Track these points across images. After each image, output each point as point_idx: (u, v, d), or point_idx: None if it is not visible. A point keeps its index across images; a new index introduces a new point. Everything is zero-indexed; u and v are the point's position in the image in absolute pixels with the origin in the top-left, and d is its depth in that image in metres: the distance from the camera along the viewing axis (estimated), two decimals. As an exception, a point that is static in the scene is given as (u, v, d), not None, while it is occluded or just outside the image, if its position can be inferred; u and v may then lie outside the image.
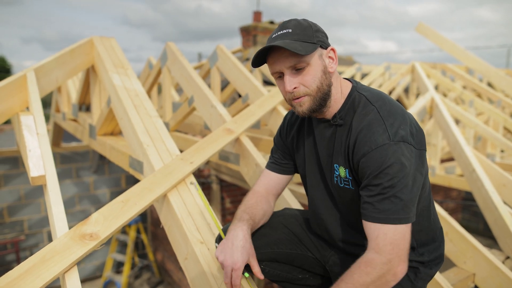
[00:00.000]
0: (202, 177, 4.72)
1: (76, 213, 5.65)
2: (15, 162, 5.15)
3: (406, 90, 5.35)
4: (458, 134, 2.63)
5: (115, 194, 5.77)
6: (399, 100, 5.04)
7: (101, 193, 5.86)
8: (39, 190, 5.26)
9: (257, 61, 1.01)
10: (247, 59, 5.82)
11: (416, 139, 0.95)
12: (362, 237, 1.07)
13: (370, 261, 0.88)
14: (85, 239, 1.18)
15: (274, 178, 1.23)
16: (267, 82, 4.59)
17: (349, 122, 1.00)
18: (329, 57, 1.01)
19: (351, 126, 0.99)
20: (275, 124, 2.16)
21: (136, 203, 1.35)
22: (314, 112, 1.02)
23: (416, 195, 0.93)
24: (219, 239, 1.18)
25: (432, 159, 3.30)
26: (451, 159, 4.34)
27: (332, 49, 1.02)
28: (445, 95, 5.16)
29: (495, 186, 2.37)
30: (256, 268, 1.03)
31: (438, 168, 3.31)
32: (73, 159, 5.54)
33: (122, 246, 5.91)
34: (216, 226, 1.31)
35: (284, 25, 0.99)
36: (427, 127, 3.89)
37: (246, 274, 1.02)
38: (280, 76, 1.01)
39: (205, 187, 4.72)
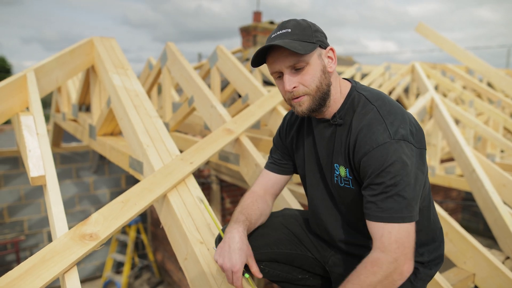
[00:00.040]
0: (202, 177, 4.72)
1: (76, 213, 5.65)
2: (15, 162, 5.15)
3: (406, 90, 5.35)
4: (458, 134, 2.63)
5: (115, 194, 5.77)
6: (399, 100, 5.04)
7: (101, 193, 5.86)
8: (39, 190, 5.26)
9: (257, 61, 1.01)
10: (247, 59, 5.82)
11: (416, 138, 0.95)
12: (362, 237, 1.08)
13: (376, 261, 0.87)
14: (85, 239, 1.18)
15: (273, 178, 1.23)
16: (267, 82, 4.60)
17: (348, 121, 1.01)
18: (328, 57, 1.01)
19: (351, 126, 0.99)
20: (275, 124, 2.16)
21: (136, 204, 1.35)
22: (314, 111, 1.02)
23: (418, 194, 0.93)
24: (218, 240, 1.18)
25: (432, 159, 3.30)
26: (451, 159, 4.34)
27: (331, 49, 1.02)
28: (445, 95, 5.16)
29: (495, 186, 2.37)
30: (254, 268, 1.03)
31: (438, 168, 3.31)
32: (73, 159, 5.54)
33: (122, 246, 5.91)
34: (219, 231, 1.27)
35: (283, 25, 0.99)
36: (427, 127, 3.89)
37: (246, 275, 1.03)
38: (279, 76, 1.01)
39: (205, 187, 4.72)
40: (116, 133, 2.62)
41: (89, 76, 2.60)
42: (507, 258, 1.98)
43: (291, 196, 1.69)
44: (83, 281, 5.70)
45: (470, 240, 1.77)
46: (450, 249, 1.82)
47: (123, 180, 6.00)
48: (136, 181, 4.83)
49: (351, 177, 1.01)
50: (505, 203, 2.26)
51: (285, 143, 1.23)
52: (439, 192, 7.06)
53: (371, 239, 1.06)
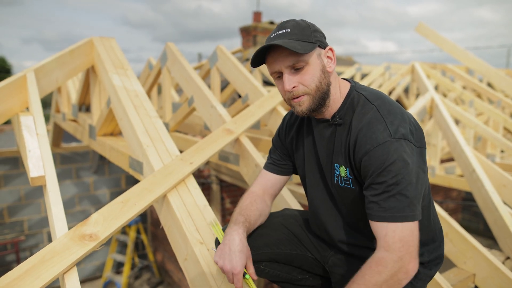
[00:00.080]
0: (202, 177, 4.72)
1: (76, 213, 5.65)
2: (15, 162, 5.15)
3: (406, 91, 5.35)
4: (458, 134, 2.63)
5: (115, 195, 5.77)
6: (399, 100, 5.04)
7: (101, 193, 5.86)
8: (39, 191, 5.26)
9: (256, 61, 1.01)
10: (247, 60, 5.82)
11: (416, 138, 0.95)
12: (362, 237, 1.07)
13: (380, 260, 0.87)
14: (84, 239, 1.18)
15: (272, 179, 1.23)
16: (267, 83, 4.60)
17: (348, 121, 1.01)
18: (328, 56, 1.02)
19: (350, 125, 0.99)
20: (275, 125, 2.16)
21: (135, 204, 1.35)
22: (314, 111, 1.02)
23: (420, 192, 0.93)
24: (218, 242, 1.18)
25: (432, 159, 3.30)
26: (451, 160, 4.34)
27: (330, 49, 1.02)
28: (445, 95, 5.16)
29: (495, 186, 2.37)
30: (251, 270, 1.03)
31: (438, 168, 3.31)
32: (73, 160, 5.54)
33: (122, 247, 5.91)
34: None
35: (282, 25, 0.99)
36: (427, 127, 3.89)
37: (247, 276, 1.03)
38: (279, 76, 1.01)
39: (205, 188, 4.72)
40: (116, 133, 2.62)
41: (89, 76, 2.60)
42: (507, 258, 1.98)
43: (291, 196, 1.68)
44: (83, 281, 5.70)
45: (470, 240, 1.77)
46: (450, 249, 1.82)
47: (123, 180, 6.00)
48: (136, 181, 4.83)
49: (351, 177, 1.00)
50: (505, 203, 2.26)
51: (285, 143, 1.23)
52: (439, 192, 7.06)
53: (371, 240, 1.06)
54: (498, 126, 3.98)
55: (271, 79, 3.68)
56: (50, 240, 5.47)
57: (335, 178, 1.05)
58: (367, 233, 1.06)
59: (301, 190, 2.57)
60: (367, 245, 1.07)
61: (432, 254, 1.08)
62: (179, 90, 4.97)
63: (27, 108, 1.98)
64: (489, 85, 5.66)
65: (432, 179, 3.27)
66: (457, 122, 3.86)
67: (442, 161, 4.25)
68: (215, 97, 2.35)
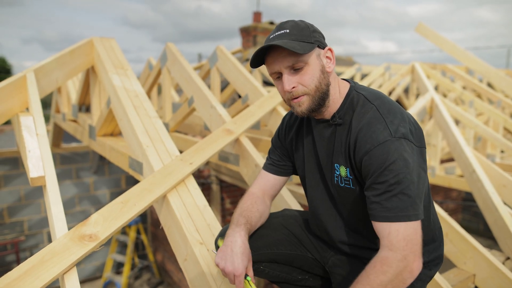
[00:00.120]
0: (202, 177, 4.72)
1: (76, 213, 5.65)
2: (15, 162, 5.15)
3: (406, 91, 5.35)
4: (458, 134, 2.63)
5: (115, 195, 5.77)
6: (399, 101, 5.04)
7: (101, 193, 5.86)
8: (39, 191, 5.26)
9: (256, 62, 1.01)
10: (247, 60, 5.82)
11: (415, 137, 0.95)
12: (362, 238, 1.07)
13: (385, 260, 0.86)
14: (84, 240, 1.18)
15: (271, 180, 1.23)
16: (266, 83, 4.60)
17: (348, 121, 1.00)
18: (327, 57, 1.02)
19: (350, 125, 0.99)
20: (275, 125, 2.16)
21: (135, 204, 1.35)
22: (313, 111, 1.02)
23: (422, 192, 0.92)
24: (217, 245, 1.18)
25: (432, 159, 3.30)
26: (451, 160, 4.34)
27: (330, 49, 1.02)
28: (445, 95, 5.16)
29: (495, 186, 2.37)
30: (250, 273, 1.03)
31: (438, 168, 3.31)
32: (73, 160, 5.54)
33: (122, 247, 5.91)
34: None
35: (281, 26, 0.99)
36: (427, 127, 3.89)
37: (248, 278, 1.03)
38: (278, 76, 1.01)
39: (205, 188, 4.72)
40: (116, 133, 2.62)
41: (89, 76, 2.60)
42: (507, 258, 1.98)
43: (291, 197, 1.68)
44: (83, 281, 5.70)
45: (470, 240, 1.77)
46: (450, 250, 1.82)
47: (123, 181, 6.00)
48: (136, 181, 4.83)
49: (351, 177, 1.00)
50: (505, 203, 2.26)
51: (284, 144, 1.23)
52: (439, 193, 7.06)
53: (371, 240, 1.06)
54: (498, 127, 3.98)
55: (271, 79, 3.68)
56: (50, 240, 5.47)
57: (335, 178, 1.05)
58: (367, 233, 1.06)
59: (301, 190, 2.57)
60: (367, 245, 1.07)
61: (432, 254, 1.08)
62: (179, 90, 4.97)
63: (27, 109, 1.98)
64: (489, 85, 5.66)
65: (432, 180, 3.27)
66: (457, 122, 3.86)
67: (442, 161, 4.25)
68: (215, 97, 2.35)
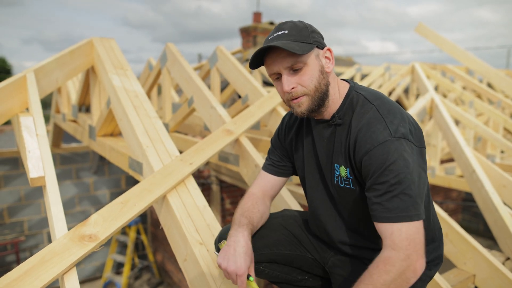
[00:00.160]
0: (202, 178, 4.72)
1: (76, 214, 5.65)
2: (15, 163, 5.15)
3: (406, 91, 5.35)
4: (458, 135, 2.63)
5: (115, 195, 5.77)
6: (399, 101, 5.04)
7: (101, 194, 5.86)
8: (39, 191, 5.26)
9: (255, 63, 1.01)
10: (247, 60, 5.82)
11: (415, 137, 0.95)
12: (362, 238, 1.07)
13: (388, 259, 0.86)
14: (84, 240, 1.18)
15: (271, 180, 1.23)
16: (266, 83, 4.60)
17: (348, 121, 1.00)
18: (326, 57, 1.02)
19: (350, 125, 0.99)
20: (275, 125, 2.16)
21: (135, 204, 1.35)
22: (313, 112, 1.02)
23: (423, 192, 0.92)
24: (218, 242, 1.18)
25: (432, 159, 3.29)
26: (451, 160, 4.34)
27: (329, 49, 1.02)
28: (445, 96, 5.16)
29: (495, 187, 2.37)
30: (252, 273, 1.03)
31: (438, 169, 3.31)
32: (73, 160, 5.54)
33: (122, 247, 5.91)
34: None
35: (280, 26, 0.99)
36: (427, 127, 3.89)
37: (251, 278, 1.02)
38: (277, 77, 1.01)
39: (205, 188, 4.72)
40: (116, 133, 2.62)
41: (89, 76, 2.60)
42: (507, 259, 1.98)
43: (291, 197, 1.68)
44: (83, 281, 5.70)
45: (470, 241, 1.77)
46: (450, 250, 1.82)
47: (123, 181, 6.00)
48: (136, 181, 4.83)
49: (351, 177, 1.00)
50: (505, 203, 2.26)
51: (284, 144, 1.22)
52: (439, 193, 7.06)
53: (371, 240, 1.06)
54: (498, 127, 3.98)
55: (270, 79, 3.68)
56: (50, 240, 5.47)
57: (335, 179, 1.05)
58: (368, 233, 1.06)
59: (300, 190, 2.57)
60: (367, 245, 1.07)
61: (431, 254, 1.08)
62: (179, 91, 4.97)
63: (27, 109, 1.98)
64: (489, 85, 5.66)
65: (432, 180, 3.27)
66: (457, 122, 3.86)
67: (442, 161, 4.25)
68: (215, 97, 2.35)
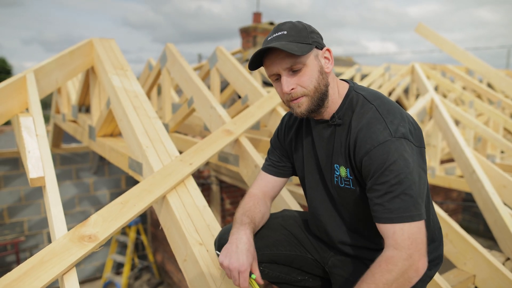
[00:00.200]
0: (201, 178, 4.72)
1: (76, 214, 5.65)
2: (15, 163, 5.15)
3: (406, 91, 5.35)
4: (458, 135, 2.62)
5: (115, 195, 5.77)
6: (398, 101, 5.04)
7: (101, 194, 5.86)
8: (39, 191, 5.26)
9: (254, 64, 1.01)
10: (247, 60, 5.82)
11: (415, 137, 0.95)
12: (362, 238, 1.07)
13: (390, 258, 0.86)
14: (84, 240, 1.18)
15: (271, 181, 1.23)
16: (266, 83, 4.60)
17: (347, 121, 1.00)
18: (325, 57, 1.02)
19: (350, 125, 0.99)
20: (275, 125, 2.16)
21: (135, 205, 1.35)
22: (312, 112, 1.02)
23: (423, 192, 0.92)
24: (217, 242, 1.18)
25: (432, 160, 3.29)
26: (451, 160, 4.34)
27: (328, 50, 1.02)
28: (445, 96, 5.16)
29: (495, 187, 2.37)
30: (256, 273, 1.02)
31: (438, 169, 3.31)
32: (73, 160, 5.54)
33: (122, 247, 5.91)
34: None
35: (279, 27, 0.99)
36: (427, 128, 3.89)
37: (253, 276, 1.01)
38: (277, 78, 1.01)
39: (205, 188, 4.72)
40: (115, 134, 2.62)
41: (89, 77, 2.60)
42: (508, 259, 1.98)
43: (291, 197, 1.68)
44: (83, 282, 5.70)
45: (470, 241, 1.77)
46: (450, 250, 1.82)
47: (123, 181, 6.00)
48: (136, 182, 4.83)
49: (351, 177, 1.00)
50: (505, 204, 2.26)
51: (284, 144, 1.22)
52: (439, 193, 7.06)
53: (371, 240, 1.06)
54: (498, 127, 3.97)
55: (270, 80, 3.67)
56: (50, 241, 5.46)
57: (335, 179, 1.04)
58: (368, 233, 1.06)
59: (300, 191, 2.57)
60: (367, 245, 1.07)
61: (431, 254, 1.08)
62: (179, 91, 4.97)
63: (27, 109, 1.98)
64: (489, 85, 5.66)
65: (432, 180, 3.27)
66: (457, 122, 3.86)
67: (442, 161, 4.25)
68: (215, 98, 2.35)
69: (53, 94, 4.10)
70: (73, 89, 3.47)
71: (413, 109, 2.78)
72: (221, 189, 4.74)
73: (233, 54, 5.92)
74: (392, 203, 0.88)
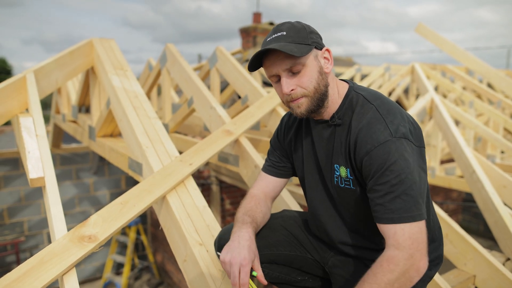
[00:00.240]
0: (201, 178, 4.72)
1: (76, 214, 5.65)
2: (16, 163, 5.15)
3: (406, 91, 5.35)
4: (458, 135, 2.62)
5: (115, 195, 5.77)
6: (398, 101, 5.04)
7: (101, 194, 5.86)
8: (39, 191, 5.26)
9: (253, 65, 1.01)
10: (247, 61, 5.82)
11: (415, 137, 0.95)
12: (362, 238, 1.07)
13: (392, 258, 0.86)
14: (83, 241, 1.18)
15: (272, 181, 1.23)
16: (266, 84, 4.60)
17: (347, 121, 1.00)
18: (325, 57, 1.02)
19: (350, 126, 0.99)
20: (274, 126, 2.15)
21: (135, 205, 1.34)
22: (312, 112, 1.02)
23: (424, 191, 0.92)
24: (217, 243, 1.18)
25: (432, 160, 3.29)
26: (451, 160, 4.34)
27: (327, 50, 1.02)
28: (445, 96, 5.16)
29: (495, 187, 2.37)
30: (259, 272, 1.00)
31: (438, 169, 3.31)
32: (73, 161, 5.54)
33: (122, 248, 5.91)
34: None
35: (278, 28, 0.99)
36: (427, 128, 3.89)
37: (255, 273, 0.99)
38: (277, 79, 1.01)
39: (205, 188, 4.71)
40: (115, 134, 2.62)
41: (89, 77, 2.60)
42: (508, 259, 1.98)
43: (290, 198, 1.68)
44: (83, 282, 5.70)
45: (471, 241, 1.77)
46: (450, 251, 1.82)
47: (123, 181, 6.00)
48: (136, 182, 4.83)
49: (352, 177, 1.00)
50: (505, 204, 2.26)
51: (283, 145, 1.22)
52: (439, 193, 7.06)
53: (371, 240, 1.06)
54: (498, 127, 3.97)
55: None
56: (50, 241, 5.46)
57: (335, 179, 1.04)
58: (368, 233, 1.06)
59: (300, 191, 2.57)
60: (367, 245, 1.07)
61: (431, 254, 1.07)
62: (178, 91, 4.97)
63: (27, 109, 1.98)
64: (489, 85, 5.66)
65: (432, 180, 3.27)
66: (457, 123, 3.86)
67: (442, 162, 4.25)
68: (215, 98, 2.35)
69: (53, 94, 4.10)
70: (73, 89, 3.47)
71: (413, 109, 2.78)
72: (221, 189, 4.73)
73: (233, 54, 5.92)
74: (393, 203, 0.88)
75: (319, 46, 1.00)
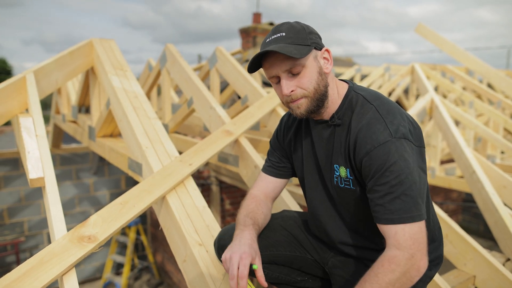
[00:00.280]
0: (201, 178, 4.72)
1: (76, 214, 5.65)
2: (15, 163, 5.15)
3: (406, 91, 5.35)
4: (458, 135, 2.62)
5: (115, 196, 5.77)
6: (398, 101, 5.04)
7: (101, 194, 5.85)
8: (39, 192, 5.26)
9: (253, 67, 1.01)
10: (247, 61, 5.82)
11: (414, 137, 0.95)
12: (361, 238, 1.07)
13: (393, 258, 0.87)
14: (83, 241, 1.18)
15: (272, 182, 1.23)
16: (266, 84, 4.60)
17: (347, 121, 1.00)
18: (324, 58, 1.02)
19: (350, 126, 0.99)
20: (274, 126, 2.15)
21: (134, 205, 1.34)
22: (312, 113, 1.02)
23: (423, 192, 0.93)
24: (217, 243, 1.17)
25: (432, 160, 3.29)
26: (451, 161, 4.33)
27: (327, 50, 1.02)
28: (445, 96, 5.16)
29: (496, 187, 2.37)
30: (260, 272, 0.99)
31: (438, 169, 3.31)
32: (73, 161, 5.54)
33: (122, 248, 5.91)
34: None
35: (277, 29, 0.99)
36: (427, 128, 3.89)
37: (255, 266, 0.97)
38: (277, 80, 1.01)
39: (205, 189, 4.71)
40: (115, 134, 2.62)
41: (89, 77, 2.60)
42: (508, 260, 1.98)
43: (290, 198, 1.68)
44: (83, 282, 5.70)
45: (471, 241, 1.77)
46: (450, 251, 1.82)
47: (123, 181, 6.00)
48: (136, 182, 4.82)
49: (351, 178, 1.00)
50: (505, 204, 2.26)
51: (283, 145, 1.22)
52: (439, 193, 7.05)
53: (371, 241, 1.06)
54: (498, 127, 3.97)
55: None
56: (50, 241, 5.46)
57: (335, 179, 1.04)
58: (368, 234, 1.06)
59: (300, 191, 2.57)
60: (367, 246, 1.07)
61: (431, 255, 1.07)
62: (178, 91, 4.97)
63: (27, 110, 1.98)
64: (489, 86, 5.66)
65: (432, 180, 3.27)
66: (457, 123, 3.86)
67: (442, 162, 4.25)
68: (215, 98, 2.35)
69: (53, 95, 4.10)
70: (73, 90, 3.47)
71: (413, 110, 2.78)
72: (221, 190, 4.73)
73: (233, 54, 5.92)
74: (393, 204, 0.89)
75: (319, 46, 1.00)
